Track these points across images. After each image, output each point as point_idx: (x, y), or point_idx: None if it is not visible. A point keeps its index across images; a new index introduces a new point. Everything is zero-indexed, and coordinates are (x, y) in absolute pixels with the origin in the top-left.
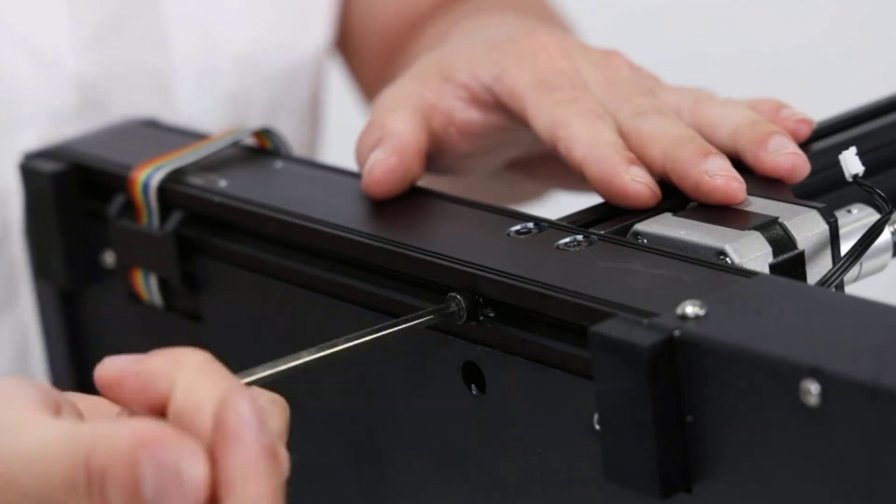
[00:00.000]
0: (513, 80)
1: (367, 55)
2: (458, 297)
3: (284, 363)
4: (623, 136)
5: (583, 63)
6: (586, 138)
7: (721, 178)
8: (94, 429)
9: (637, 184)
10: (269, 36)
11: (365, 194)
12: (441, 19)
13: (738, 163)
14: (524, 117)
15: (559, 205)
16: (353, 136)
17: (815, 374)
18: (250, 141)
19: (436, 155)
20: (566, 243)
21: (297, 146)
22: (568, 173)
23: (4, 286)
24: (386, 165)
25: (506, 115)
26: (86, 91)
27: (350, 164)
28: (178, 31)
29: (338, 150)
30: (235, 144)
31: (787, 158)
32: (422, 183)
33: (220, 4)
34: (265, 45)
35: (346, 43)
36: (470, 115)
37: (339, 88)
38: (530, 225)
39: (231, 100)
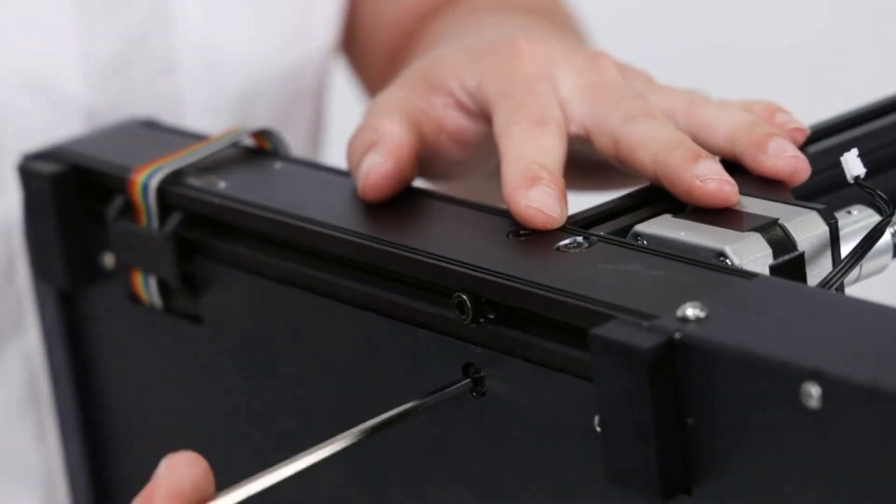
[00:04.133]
0: (486, 87)
1: (373, 53)
2: (464, 297)
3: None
4: (614, 141)
5: (563, 70)
6: (512, 151)
7: (713, 183)
8: None
9: (530, 209)
10: (276, 45)
11: (360, 198)
12: (445, 16)
13: (737, 163)
14: None
15: None
16: None
17: (816, 376)
18: (249, 142)
19: (428, 161)
20: (566, 245)
21: (303, 149)
22: (568, 174)
23: (12, 314)
24: (382, 170)
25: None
26: (94, 122)
27: None
28: (187, 54)
29: (341, 151)
30: (234, 145)
31: (788, 162)
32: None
33: (226, 20)
34: (272, 56)
35: (352, 42)
36: (460, 123)
37: (343, 90)
38: None
39: (238, 114)
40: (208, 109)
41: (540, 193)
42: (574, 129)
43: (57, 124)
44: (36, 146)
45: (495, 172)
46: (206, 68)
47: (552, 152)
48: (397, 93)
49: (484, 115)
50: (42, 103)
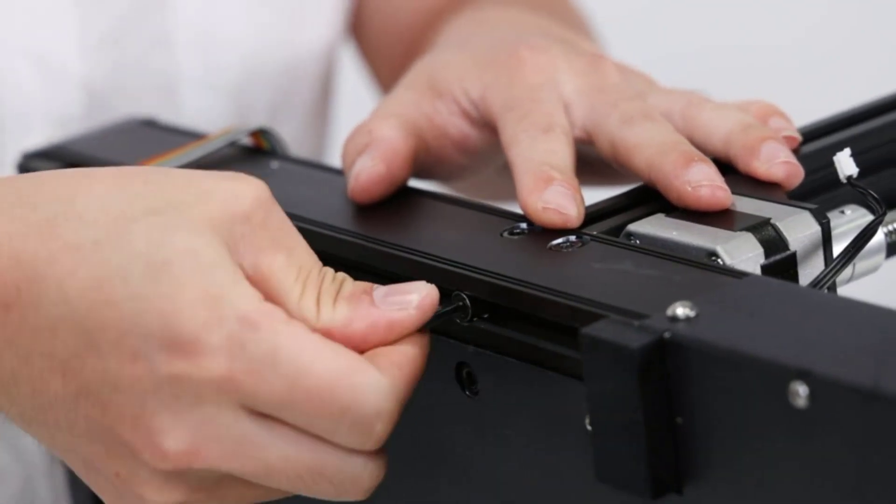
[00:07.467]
0: (491, 99)
1: (384, 50)
2: (463, 295)
3: None
4: (612, 144)
5: (565, 73)
6: (521, 158)
7: (705, 189)
8: None
9: (547, 210)
10: (273, 31)
11: (351, 199)
12: (455, 12)
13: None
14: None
15: None
16: None
17: (804, 376)
18: (247, 141)
19: (431, 166)
20: (559, 244)
21: (303, 144)
22: (579, 173)
23: None
24: (373, 173)
25: (495, 130)
26: (92, 95)
27: None
28: (184, 32)
29: None
30: (232, 144)
31: (781, 168)
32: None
33: (224, 2)
34: (269, 41)
35: (363, 38)
36: (464, 130)
37: (351, 86)
38: (523, 225)
39: (235, 97)
40: (205, 86)
41: (554, 194)
42: (577, 133)
43: (54, 94)
44: (33, 118)
45: (505, 168)
46: (202, 45)
47: (562, 154)
48: (402, 96)
49: (487, 125)
50: (40, 73)
